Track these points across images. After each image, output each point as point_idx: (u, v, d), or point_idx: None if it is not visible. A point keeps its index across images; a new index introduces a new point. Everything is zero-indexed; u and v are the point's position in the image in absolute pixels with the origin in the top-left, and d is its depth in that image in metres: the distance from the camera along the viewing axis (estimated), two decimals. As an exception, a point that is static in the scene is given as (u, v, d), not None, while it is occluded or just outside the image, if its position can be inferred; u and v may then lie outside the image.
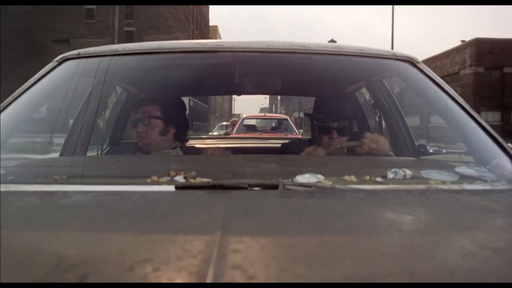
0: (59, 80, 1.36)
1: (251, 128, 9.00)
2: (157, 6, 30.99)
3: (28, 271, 0.47)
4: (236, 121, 10.38)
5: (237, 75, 1.80)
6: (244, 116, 10.50)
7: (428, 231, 0.65)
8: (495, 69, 16.69)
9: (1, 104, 1.18)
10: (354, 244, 0.57)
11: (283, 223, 0.65)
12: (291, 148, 2.07)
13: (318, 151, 1.53)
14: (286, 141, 2.72)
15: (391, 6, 20.81)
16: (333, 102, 1.75)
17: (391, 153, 1.60)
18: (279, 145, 2.61)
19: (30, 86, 1.27)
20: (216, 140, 3.06)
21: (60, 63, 1.34)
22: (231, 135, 7.34)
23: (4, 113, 1.16)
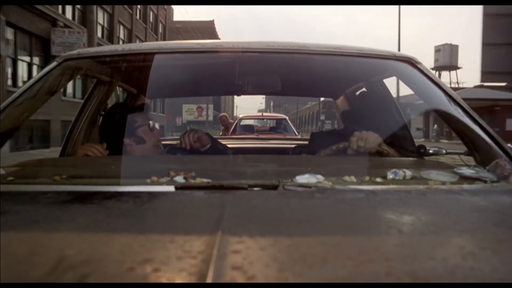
0: (59, 80, 1.36)
1: (248, 129, 8.42)
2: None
3: (28, 271, 0.47)
4: (226, 117, 9.62)
5: (237, 75, 1.80)
6: (240, 116, 9.56)
7: (428, 231, 0.65)
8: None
9: (2, 104, 1.18)
10: (354, 244, 0.57)
11: (283, 224, 0.65)
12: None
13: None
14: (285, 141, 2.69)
15: (394, 6, 20.74)
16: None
17: (387, 148, 1.54)
18: (279, 146, 2.58)
19: (31, 85, 1.27)
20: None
21: (60, 63, 1.34)
22: (227, 136, 6.76)
23: (4, 113, 1.16)
